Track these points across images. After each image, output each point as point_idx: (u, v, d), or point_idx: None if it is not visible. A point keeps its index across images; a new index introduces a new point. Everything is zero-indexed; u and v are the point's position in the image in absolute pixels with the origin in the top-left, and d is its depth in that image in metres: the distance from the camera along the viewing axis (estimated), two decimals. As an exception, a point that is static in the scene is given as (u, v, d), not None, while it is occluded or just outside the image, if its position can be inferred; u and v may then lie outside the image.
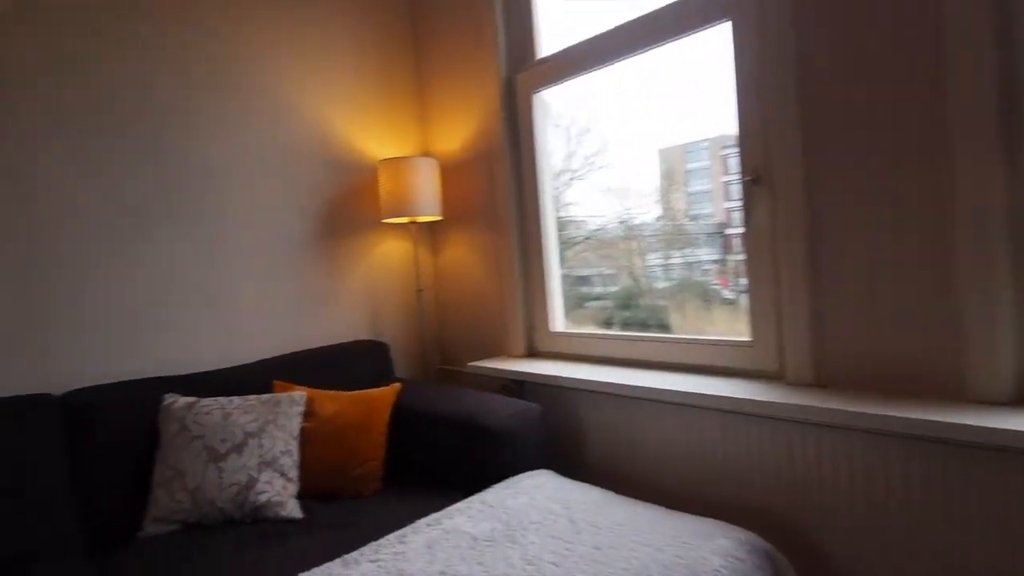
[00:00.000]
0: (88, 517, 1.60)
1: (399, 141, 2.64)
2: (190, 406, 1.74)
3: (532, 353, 2.35)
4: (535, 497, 1.51)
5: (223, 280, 2.13)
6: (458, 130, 2.55)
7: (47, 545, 1.49)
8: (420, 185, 2.39)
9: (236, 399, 1.80)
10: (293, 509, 1.66)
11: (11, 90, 1.74)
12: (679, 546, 1.23)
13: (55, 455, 1.59)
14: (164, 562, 1.42)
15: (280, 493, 1.66)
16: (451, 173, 2.58)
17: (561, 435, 2.03)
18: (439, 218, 2.54)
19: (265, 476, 1.67)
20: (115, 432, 1.69)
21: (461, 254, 2.61)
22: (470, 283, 2.57)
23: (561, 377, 1.96)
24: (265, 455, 1.70)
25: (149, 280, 1.97)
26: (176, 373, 1.94)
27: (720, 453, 1.62)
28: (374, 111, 2.56)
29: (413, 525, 1.42)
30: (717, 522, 1.36)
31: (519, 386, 2.17)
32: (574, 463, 1.99)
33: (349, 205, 2.47)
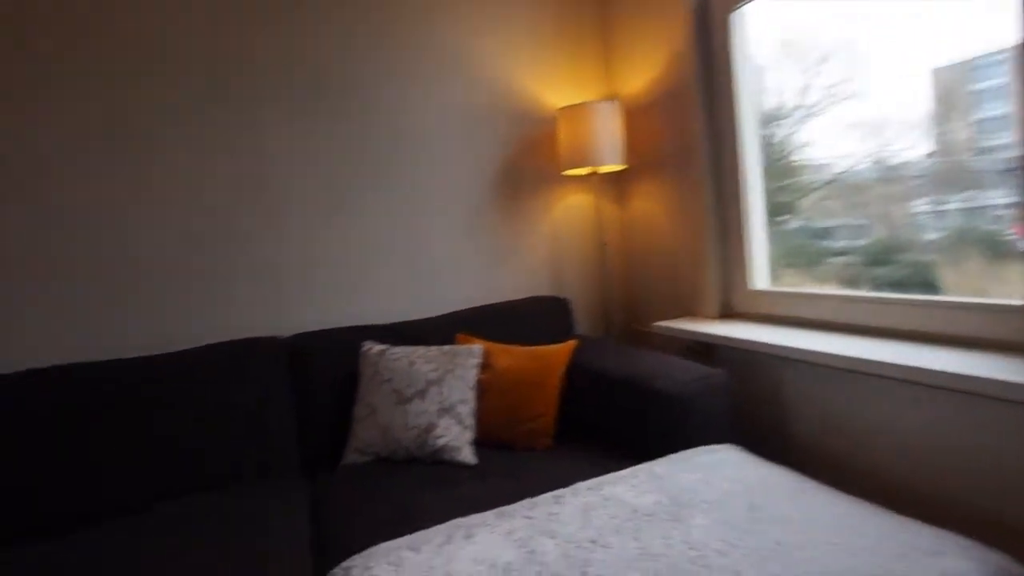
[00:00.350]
0: (306, 442, 1.85)
1: (582, 86, 2.51)
2: (382, 353, 1.89)
3: (728, 314, 2.10)
4: (712, 474, 1.33)
5: (416, 238, 2.26)
6: (644, 68, 2.33)
7: (275, 463, 1.76)
8: (601, 132, 2.24)
9: (420, 348, 1.91)
10: (468, 455, 1.71)
11: (248, 81, 2.02)
12: (891, 558, 0.97)
13: (283, 389, 1.85)
14: (358, 490, 1.57)
15: (457, 439, 1.73)
16: (636, 117, 2.38)
17: (755, 408, 1.78)
18: (623, 167, 2.37)
19: (444, 422, 1.75)
20: (326, 372, 1.91)
21: (648, 205, 2.41)
22: (658, 236, 2.38)
23: (759, 342, 1.69)
24: (444, 402, 1.78)
25: (357, 240, 2.18)
26: (376, 322, 2.13)
27: (969, 448, 1.25)
28: (555, 57, 2.46)
29: (573, 487, 1.35)
30: (951, 534, 1.04)
31: (707, 350, 1.95)
32: (768, 441, 1.73)
33: (530, 159, 2.44)
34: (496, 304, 2.28)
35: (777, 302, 1.91)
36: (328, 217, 2.14)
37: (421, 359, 1.86)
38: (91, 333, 1.85)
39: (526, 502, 1.31)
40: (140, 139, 1.91)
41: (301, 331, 2.01)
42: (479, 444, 1.79)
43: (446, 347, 1.92)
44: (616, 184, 2.58)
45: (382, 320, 2.18)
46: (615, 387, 1.73)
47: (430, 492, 1.50)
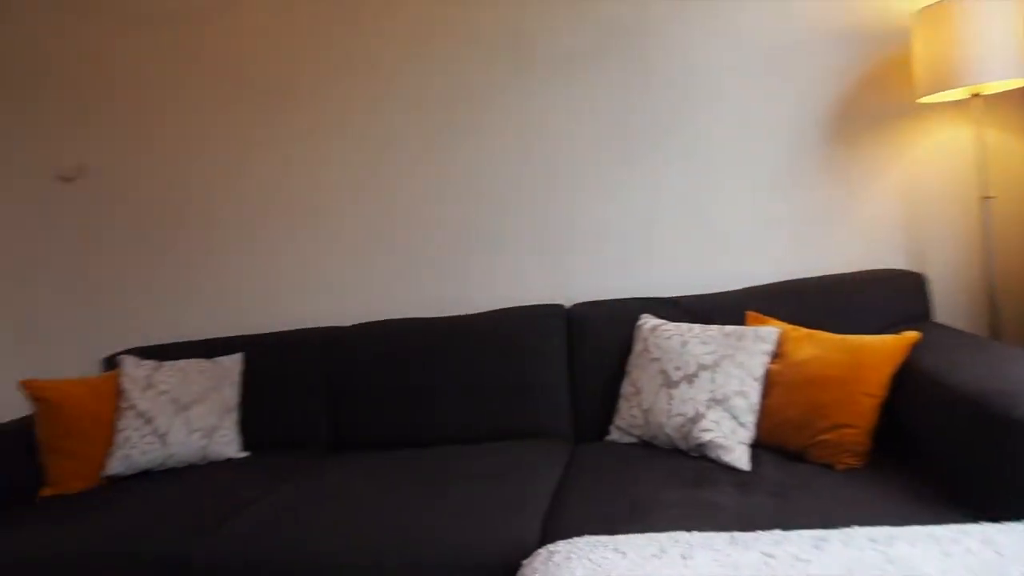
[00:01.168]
0: (577, 412, 1.86)
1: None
2: (654, 329, 1.74)
3: None
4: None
5: (711, 199, 2.00)
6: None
7: (546, 426, 1.84)
8: (989, 33, 1.55)
9: (697, 327, 1.69)
10: (739, 458, 1.45)
11: (527, 43, 2.07)
12: None
13: (560, 357, 1.91)
14: (604, 470, 1.51)
15: (727, 436, 1.48)
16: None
17: None
18: (1028, 82, 1.60)
19: (713, 414, 1.52)
20: (603, 344, 1.87)
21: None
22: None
23: None
24: (717, 391, 1.54)
25: (643, 202, 2.05)
26: (663, 294, 1.97)
27: None
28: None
29: (849, 530, 1.01)
30: None
31: None
32: None
33: (868, 88, 1.87)
34: (812, 278, 1.86)
35: None
36: (611, 180, 2.06)
37: (696, 339, 1.65)
38: (397, 294, 2.22)
39: (776, 534, 1.04)
40: (418, 107, 2.15)
41: (584, 300, 2.01)
42: (760, 447, 1.50)
43: (729, 327, 1.66)
44: (1015, 109, 1.76)
45: (670, 292, 2.01)
46: (959, 405, 1.20)
47: (675, 490, 1.33)
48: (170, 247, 2.37)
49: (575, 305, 1.99)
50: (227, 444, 1.96)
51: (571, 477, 1.52)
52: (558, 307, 1.99)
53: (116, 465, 1.82)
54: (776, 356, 1.58)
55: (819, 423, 1.43)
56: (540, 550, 1.12)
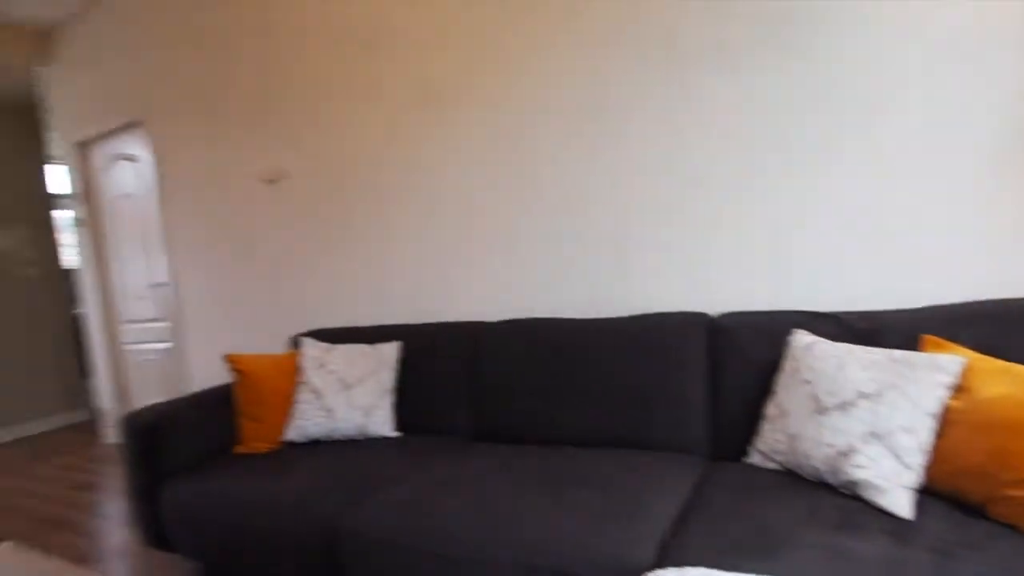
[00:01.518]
0: (714, 426, 1.76)
1: None
2: (809, 347, 1.58)
3: None
4: None
5: (888, 203, 1.74)
6: None
7: (682, 439, 1.77)
8: None
9: (860, 349, 1.50)
10: (898, 503, 1.27)
11: (678, 36, 1.97)
12: None
13: (700, 367, 1.81)
14: (737, 497, 1.41)
15: (886, 477, 1.31)
16: None
17: None
18: None
19: (870, 450, 1.35)
20: (749, 357, 1.74)
21: None
22: None
23: None
24: (877, 425, 1.36)
25: (801, 205, 1.85)
26: (824, 309, 1.78)
27: None
28: None
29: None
30: None
31: None
32: None
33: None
34: (1013, 300, 1.55)
35: None
36: (768, 179, 1.89)
37: (857, 363, 1.47)
38: (543, 294, 2.29)
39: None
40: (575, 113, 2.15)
41: (734, 310, 1.89)
42: (929, 494, 1.31)
43: (899, 352, 1.45)
44: None
45: (832, 307, 1.80)
46: None
47: (813, 530, 1.21)
48: (347, 243, 2.68)
49: (724, 315, 1.87)
50: (382, 423, 2.16)
51: (699, 497, 1.45)
52: (702, 315, 1.89)
53: (292, 433, 2.12)
54: (958, 390, 1.36)
55: (1007, 475, 1.20)
56: (648, 574, 1.10)
